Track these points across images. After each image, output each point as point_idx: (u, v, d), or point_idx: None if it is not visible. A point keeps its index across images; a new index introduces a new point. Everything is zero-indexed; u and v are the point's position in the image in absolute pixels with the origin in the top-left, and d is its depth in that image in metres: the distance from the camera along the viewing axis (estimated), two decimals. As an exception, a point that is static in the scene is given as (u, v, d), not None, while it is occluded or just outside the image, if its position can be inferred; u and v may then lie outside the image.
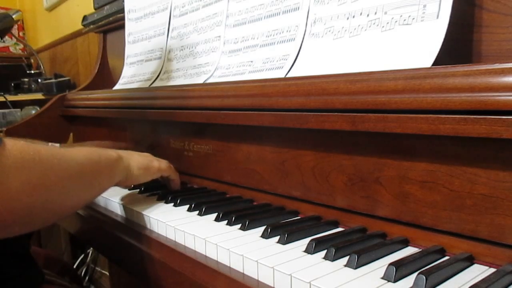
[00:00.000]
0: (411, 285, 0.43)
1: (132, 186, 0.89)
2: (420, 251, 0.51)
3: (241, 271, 0.52)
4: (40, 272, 0.74)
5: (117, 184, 0.75)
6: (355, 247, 0.52)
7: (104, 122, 1.25)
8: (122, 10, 1.33)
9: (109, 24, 1.46)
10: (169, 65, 1.10)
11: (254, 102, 0.69)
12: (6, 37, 2.81)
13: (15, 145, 0.49)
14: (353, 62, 0.64)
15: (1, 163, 0.47)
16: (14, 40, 3.05)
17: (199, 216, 0.69)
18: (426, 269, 0.44)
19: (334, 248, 0.50)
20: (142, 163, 0.78)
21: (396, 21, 0.60)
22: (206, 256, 0.58)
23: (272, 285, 0.48)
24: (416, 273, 0.43)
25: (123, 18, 1.33)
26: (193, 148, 0.91)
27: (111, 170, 0.71)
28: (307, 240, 0.54)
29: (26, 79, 2.57)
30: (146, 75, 1.19)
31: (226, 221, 0.65)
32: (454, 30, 0.55)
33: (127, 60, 1.31)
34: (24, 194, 0.50)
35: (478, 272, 0.46)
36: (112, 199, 0.83)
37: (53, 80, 2.30)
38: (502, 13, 0.54)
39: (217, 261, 0.56)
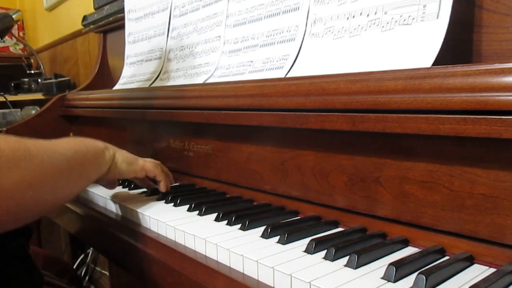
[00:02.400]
0: (411, 285, 0.43)
1: (119, 182, 0.88)
2: (420, 251, 0.51)
3: (241, 271, 0.52)
4: (40, 274, 0.74)
5: (101, 177, 0.74)
6: (355, 247, 0.52)
7: (104, 122, 1.25)
8: (122, 10, 1.33)
9: (109, 24, 1.46)
10: (169, 65, 1.10)
11: (254, 102, 0.69)
12: (6, 37, 2.81)
13: (7, 144, 0.50)
14: (353, 62, 0.64)
15: None
16: (14, 40, 3.05)
17: (199, 216, 0.69)
18: (426, 269, 0.44)
19: (334, 248, 0.50)
20: (128, 157, 0.78)
21: (396, 21, 0.60)
22: (206, 256, 0.58)
23: (272, 285, 0.48)
24: (416, 273, 0.43)
25: (123, 18, 1.33)
26: (193, 148, 0.91)
27: (98, 161, 0.71)
28: (307, 240, 0.54)
29: (26, 79, 2.57)
30: (146, 75, 1.19)
31: (226, 221, 0.65)
32: (454, 30, 0.54)
33: (127, 60, 1.31)
34: (17, 192, 0.51)
35: (478, 272, 0.46)
36: (112, 199, 0.83)
37: (53, 80, 2.30)
38: (502, 13, 0.54)
39: (217, 261, 0.56)
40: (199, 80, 0.95)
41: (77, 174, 0.65)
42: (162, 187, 0.82)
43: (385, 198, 0.56)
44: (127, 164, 0.77)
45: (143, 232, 0.68)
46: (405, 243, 0.54)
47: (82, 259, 2.18)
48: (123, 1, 1.31)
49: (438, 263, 0.46)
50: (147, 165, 0.81)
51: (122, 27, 1.35)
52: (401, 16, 0.59)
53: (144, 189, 0.88)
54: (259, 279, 0.50)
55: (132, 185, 0.91)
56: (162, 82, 1.10)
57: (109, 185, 0.84)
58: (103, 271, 2.13)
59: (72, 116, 1.40)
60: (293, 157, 0.68)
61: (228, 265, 0.54)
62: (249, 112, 0.71)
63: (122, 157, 0.77)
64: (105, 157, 0.73)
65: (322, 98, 0.59)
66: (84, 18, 1.56)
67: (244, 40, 0.87)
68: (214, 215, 0.68)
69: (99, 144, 0.72)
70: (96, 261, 2.15)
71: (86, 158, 0.68)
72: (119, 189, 0.92)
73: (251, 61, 0.84)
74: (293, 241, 0.56)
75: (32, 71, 2.76)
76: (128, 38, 1.31)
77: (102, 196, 0.87)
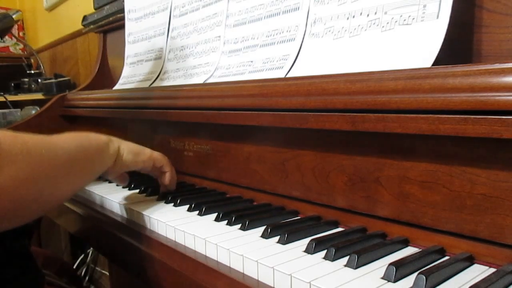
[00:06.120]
0: (411, 285, 0.43)
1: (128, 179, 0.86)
2: (420, 251, 0.51)
3: (241, 271, 0.52)
4: (41, 273, 0.74)
5: (108, 170, 0.73)
6: (355, 247, 0.52)
7: (104, 122, 1.25)
8: (122, 10, 1.33)
9: (109, 24, 1.46)
10: (169, 65, 1.10)
11: (254, 102, 0.69)
12: (6, 37, 2.82)
13: (3, 138, 0.48)
14: (353, 62, 0.64)
15: None
16: (14, 40, 3.05)
17: (199, 216, 0.69)
18: (426, 269, 0.44)
19: (334, 248, 0.50)
20: (134, 148, 0.76)
21: (396, 21, 0.60)
22: (206, 256, 0.58)
23: (272, 285, 0.48)
24: (416, 273, 0.43)
25: (123, 18, 1.33)
26: (193, 148, 0.91)
27: (101, 155, 0.69)
28: (307, 240, 0.54)
29: (26, 79, 2.57)
30: (146, 75, 1.19)
31: (226, 221, 0.65)
32: (454, 30, 0.54)
33: (127, 60, 1.31)
34: (12, 189, 0.48)
35: (478, 272, 0.46)
36: (112, 199, 0.83)
37: (53, 80, 2.30)
38: (502, 13, 0.54)
39: (217, 261, 0.56)
40: (199, 80, 0.95)
41: (79, 169, 0.62)
42: (167, 179, 0.80)
43: (385, 198, 0.56)
44: (133, 155, 0.75)
45: (143, 232, 0.68)
46: (405, 243, 0.54)
47: (82, 259, 2.18)
48: (123, 1, 1.31)
49: (438, 263, 0.46)
50: (155, 154, 0.79)
51: (122, 27, 1.35)
52: (401, 16, 0.59)
53: (144, 189, 0.88)
54: (259, 279, 0.50)
55: (132, 185, 0.91)
56: (162, 82, 1.10)
57: (120, 180, 0.83)
58: (103, 271, 2.13)
59: (72, 116, 1.40)
60: (293, 157, 0.68)
61: (228, 265, 0.54)
62: (249, 112, 0.71)
63: (128, 149, 0.75)
64: (109, 150, 0.71)
65: (322, 98, 0.59)
66: (84, 18, 1.56)
67: (244, 40, 0.87)
68: (214, 215, 0.68)
69: (102, 137, 0.70)
70: (96, 261, 2.16)
71: (89, 152, 0.65)
72: (119, 188, 0.92)
73: (251, 61, 0.84)
74: (293, 241, 0.56)
75: (32, 71, 2.76)
76: (128, 38, 1.31)
77: (102, 195, 0.87)
